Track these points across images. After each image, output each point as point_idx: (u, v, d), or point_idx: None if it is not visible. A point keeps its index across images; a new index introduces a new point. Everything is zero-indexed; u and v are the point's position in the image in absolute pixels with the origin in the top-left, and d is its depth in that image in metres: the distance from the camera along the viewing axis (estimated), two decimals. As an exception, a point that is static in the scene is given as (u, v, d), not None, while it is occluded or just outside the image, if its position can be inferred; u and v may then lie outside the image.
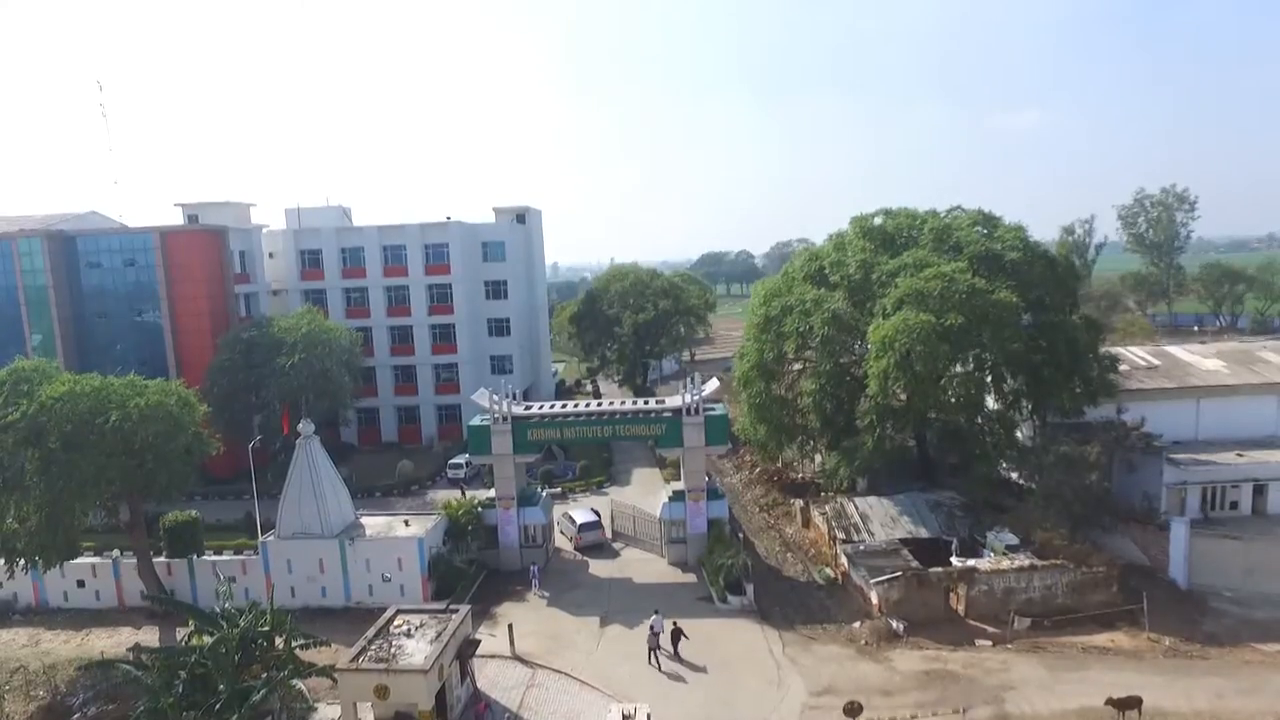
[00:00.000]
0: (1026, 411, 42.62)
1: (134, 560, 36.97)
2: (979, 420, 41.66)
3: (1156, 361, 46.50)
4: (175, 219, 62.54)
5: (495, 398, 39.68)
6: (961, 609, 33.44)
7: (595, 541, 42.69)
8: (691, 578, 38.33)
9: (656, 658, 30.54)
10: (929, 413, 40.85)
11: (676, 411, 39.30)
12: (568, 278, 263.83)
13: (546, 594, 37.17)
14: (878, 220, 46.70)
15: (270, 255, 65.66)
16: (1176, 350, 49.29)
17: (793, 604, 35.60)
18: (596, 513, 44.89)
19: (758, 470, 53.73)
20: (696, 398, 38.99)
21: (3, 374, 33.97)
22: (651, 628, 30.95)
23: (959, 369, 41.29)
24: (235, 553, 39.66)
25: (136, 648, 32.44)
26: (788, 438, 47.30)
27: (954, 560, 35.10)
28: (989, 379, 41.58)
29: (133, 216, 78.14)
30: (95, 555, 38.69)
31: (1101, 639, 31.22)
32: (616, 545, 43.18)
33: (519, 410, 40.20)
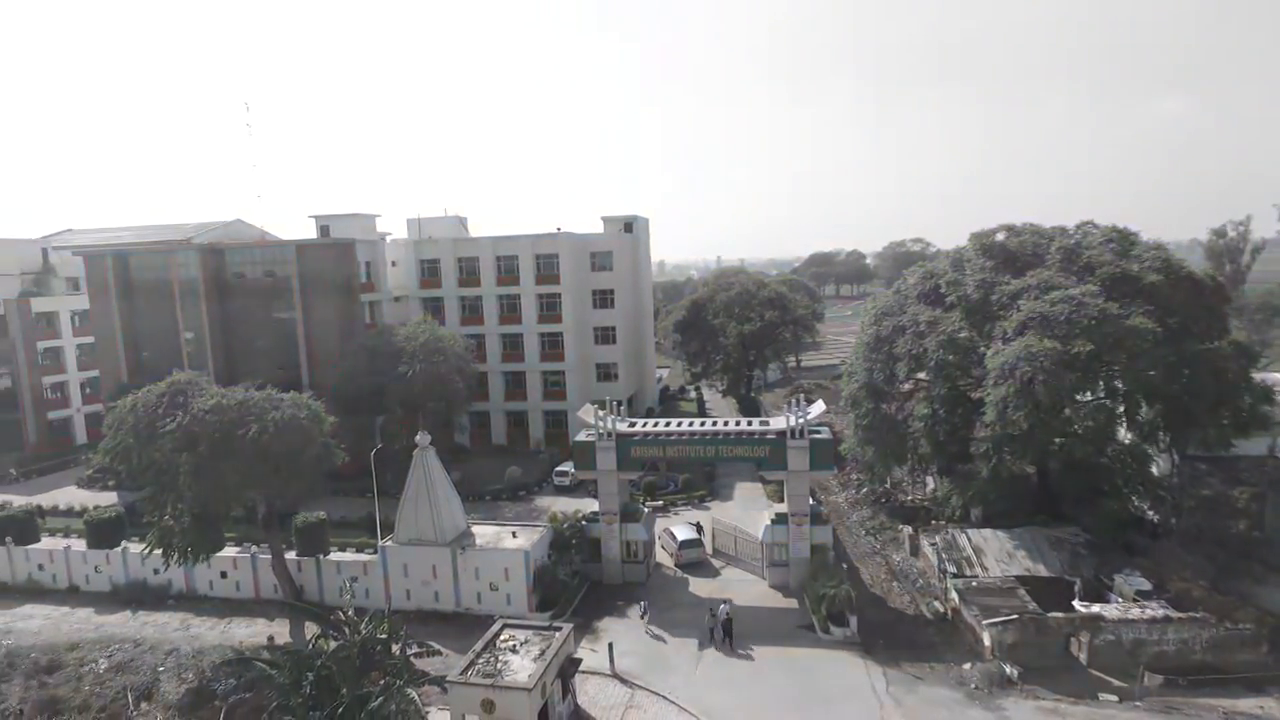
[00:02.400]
0: (1164, 444, 39.57)
1: (269, 556, 40.03)
2: (1109, 452, 38.98)
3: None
4: (309, 227, 67.05)
5: (600, 414, 40.40)
6: (1084, 658, 31.48)
7: (696, 559, 42.82)
8: (793, 603, 37.83)
9: (714, 639, 34.09)
10: (1052, 442, 38.57)
11: (781, 434, 38.80)
12: (673, 276, 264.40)
13: (660, 634, 35.52)
14: (999, 237, 44.44)
15: (393, 264, 69.23)
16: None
17: (898, 638, 34.54)
18: (699, 529, 45.00)
19: (864, 490, 52.35)
20: (801, 420, 38.37)
21: (162, 386, 37.45)
22: (711, 610, 35.07)
23: (1088, 396, 38.84)
24: (357, 551, 42.23)
25: (270, 642, 35.24)
26: (897, 460, 45.90)
27: (1076, 604, 33.07)
28: (1121, 409, 38.87)
29: (273, 223, 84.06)
30: (236, 547, 42.13)
31: (1248, 704, 28.64)
32: (716, 563, 43.15)
33: (623, 428, 40.77)
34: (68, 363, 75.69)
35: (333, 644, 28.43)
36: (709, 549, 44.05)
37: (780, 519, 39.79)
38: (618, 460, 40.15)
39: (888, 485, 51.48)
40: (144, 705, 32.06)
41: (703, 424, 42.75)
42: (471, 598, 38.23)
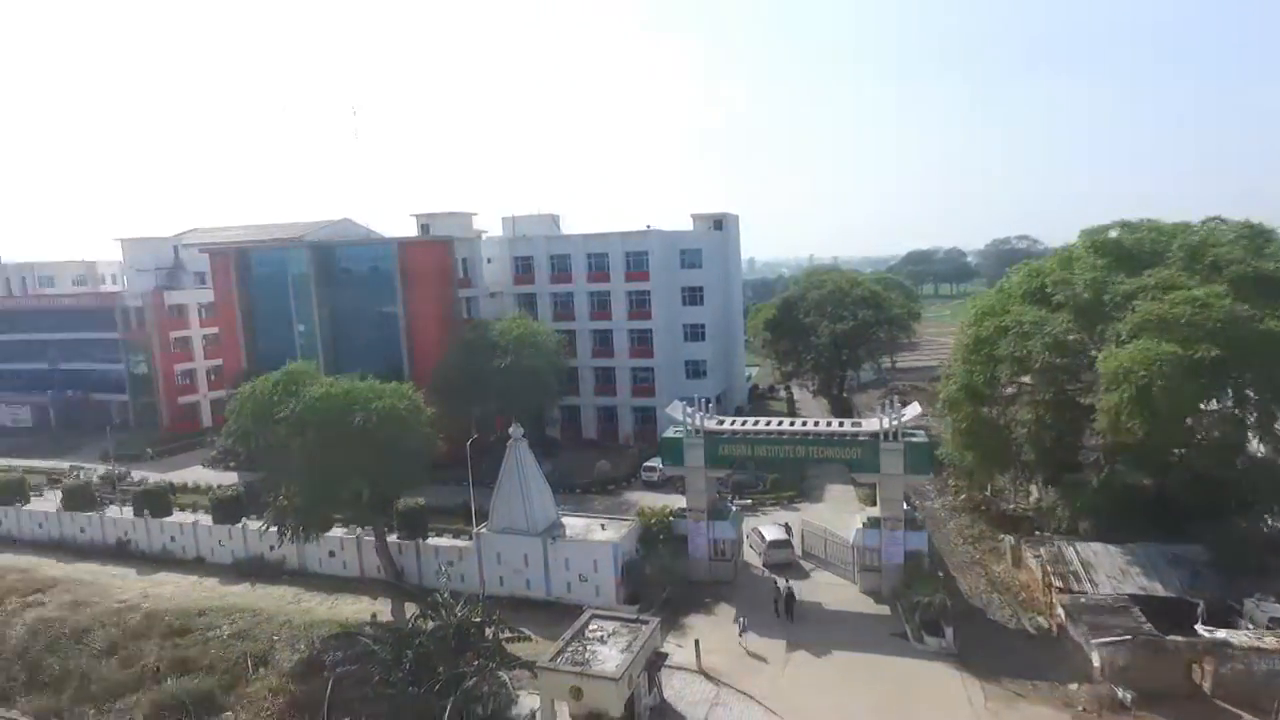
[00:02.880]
0: (1302, 459, 36.45)
1: (373, 539, 42.10)
2: (1239, 466, 36.20)
3: None
4: (411, 225, 70.04)
5: (689, 410, 40.51)
6: (1207, 686, 29.34)
7: (784, 560, 42.33)
8: (885, 610, 36.91)
9: (777, 613, 36.29)
10: (1171, 454, 36.13)
11: (874, 436, 37.89)
12: (764, 274, 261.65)
13: (759, 653, 33.68)
14: (1113, 234, 41.94)
15: (489, 261, 71.37)
16: None
17: (998, 652, 33.18)
18: (788, 529, 44.50)
19: (963, 497, 50.46)
20: (896, 422, 37.37)
21: (278, 375, 39.96)
22: (775, 584, 37.81)
23: (1214, 404, 36.22)
24: (454, 537, 43.90)
25: (373, 619, 37.06)
26: (999, 466, 44.07)
27: (1199, 628, 30.89)
28: (1253, 418, 36.05)
29: (378, 221, 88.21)
30: (343, 528, 44.50)
31: (1394, 746, 26.14)
32: (806, 565, 42.56)
33: (712, 425, 40.74)
34: (195, 351, 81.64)
35: (430, 624, 29.77)
36: (798, 550, 43.50)
37: (873, 523, 38.89)
38: (705, 457, 40.16)
39: (988, 493, 49.46)
40: (261, 670, 34.35)
41: (793, 423, 42.23)
42: (561, 587, 39.10)
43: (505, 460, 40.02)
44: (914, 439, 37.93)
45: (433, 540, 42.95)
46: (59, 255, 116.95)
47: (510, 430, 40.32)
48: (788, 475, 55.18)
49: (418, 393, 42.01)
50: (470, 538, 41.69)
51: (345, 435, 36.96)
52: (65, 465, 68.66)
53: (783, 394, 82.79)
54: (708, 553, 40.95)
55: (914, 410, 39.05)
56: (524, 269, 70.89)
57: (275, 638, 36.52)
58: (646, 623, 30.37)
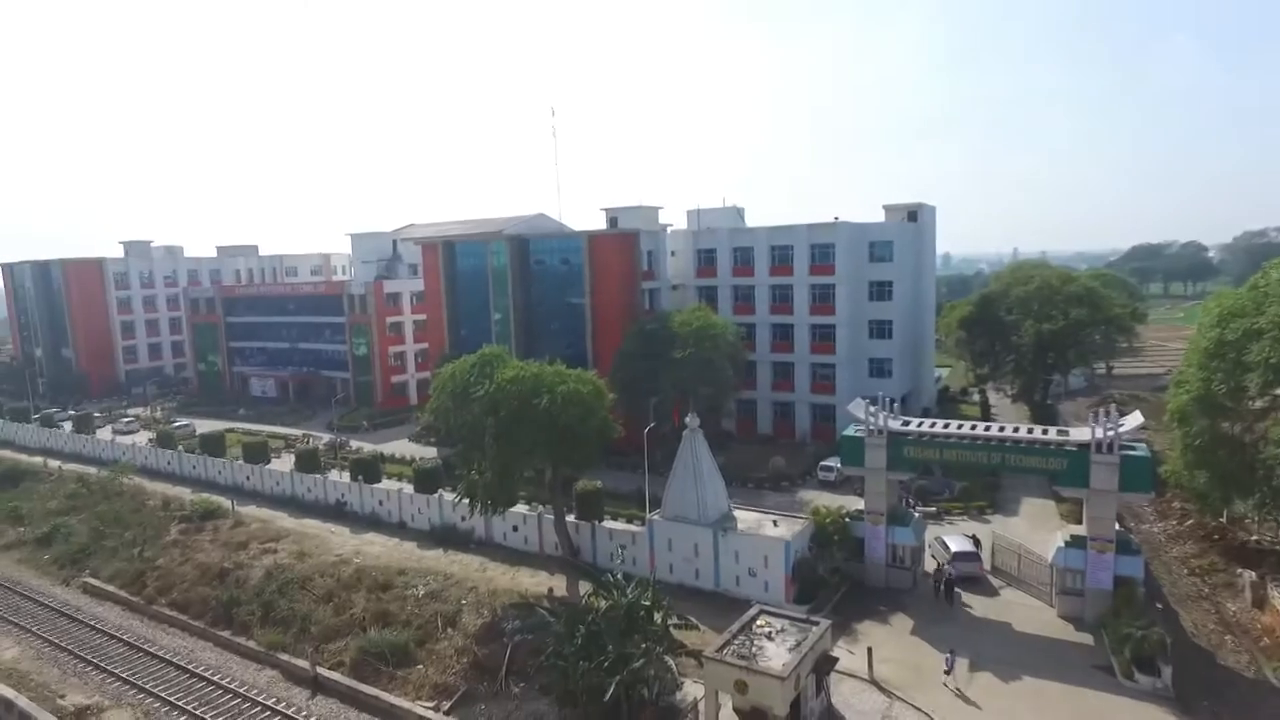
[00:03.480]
0: None
1: (552, 517, 44.19)
2: None
3: None
4: (599, 219, 72.65)
5: (872, 409, 38.70)
6: None
7: (970, 574, 39.35)
8: (1087, 639, 33.27)
9: (936, 595, 36.93)
10: None
11: (1084, 446, 34.12)
12: (960, 270, 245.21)
13: (975, 701, 29.49)
14: None
15: (672, 254, 72.36)
16: None
17: (1228, 702, 28.86)
18: (975, 541, 41.37)
19: (1189, 523, 44.36)
20: (1112, 433, 33.42)
21: (474, 357, 42.95)
22: (938, 565, 38.72)
23: None
24: (627, 521, 45.07)
25: (550, 594, 38.93)
26: (1239, 491, 38.19)
27: None
28: None
29: (570, 216, 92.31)
30: (525, 505, 47.09)
31: None
32: (995, 582, 39.33)
33: (896, 425, 38.66)
34: (406, 335, 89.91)
35: (603, 604, 30.71)
36: (986, 565, 40.30)
37: (1077, 542, 35.15)
38: (888, 459, 38.20)
39: (1223, 519, 43.11)
40: (449, 630, 37.17)
41: (987, 428, 39.08)
42: (730, 580, 38.90)
43: (680, 450, 40.41)
44: (1133, 452, 33.77)
45: (608, 523, 44.35)
46: (303, 248, 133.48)
47: (687, 420, 40.66)
48: (979, 485, 51.39)
49: (601, 379, 43.45)
50: (643, 523, 42.56)
51: (532, 416, 39.00)
52: (298, 432, 78.40)
53: (976, 397, 76.95)
54: (885, 559, 39.01)
55: (1135, 420, 34.74)
56: (706, 261, 71.15)
57: (463, 601, 39.33)
58: (816, 624, 29.44)
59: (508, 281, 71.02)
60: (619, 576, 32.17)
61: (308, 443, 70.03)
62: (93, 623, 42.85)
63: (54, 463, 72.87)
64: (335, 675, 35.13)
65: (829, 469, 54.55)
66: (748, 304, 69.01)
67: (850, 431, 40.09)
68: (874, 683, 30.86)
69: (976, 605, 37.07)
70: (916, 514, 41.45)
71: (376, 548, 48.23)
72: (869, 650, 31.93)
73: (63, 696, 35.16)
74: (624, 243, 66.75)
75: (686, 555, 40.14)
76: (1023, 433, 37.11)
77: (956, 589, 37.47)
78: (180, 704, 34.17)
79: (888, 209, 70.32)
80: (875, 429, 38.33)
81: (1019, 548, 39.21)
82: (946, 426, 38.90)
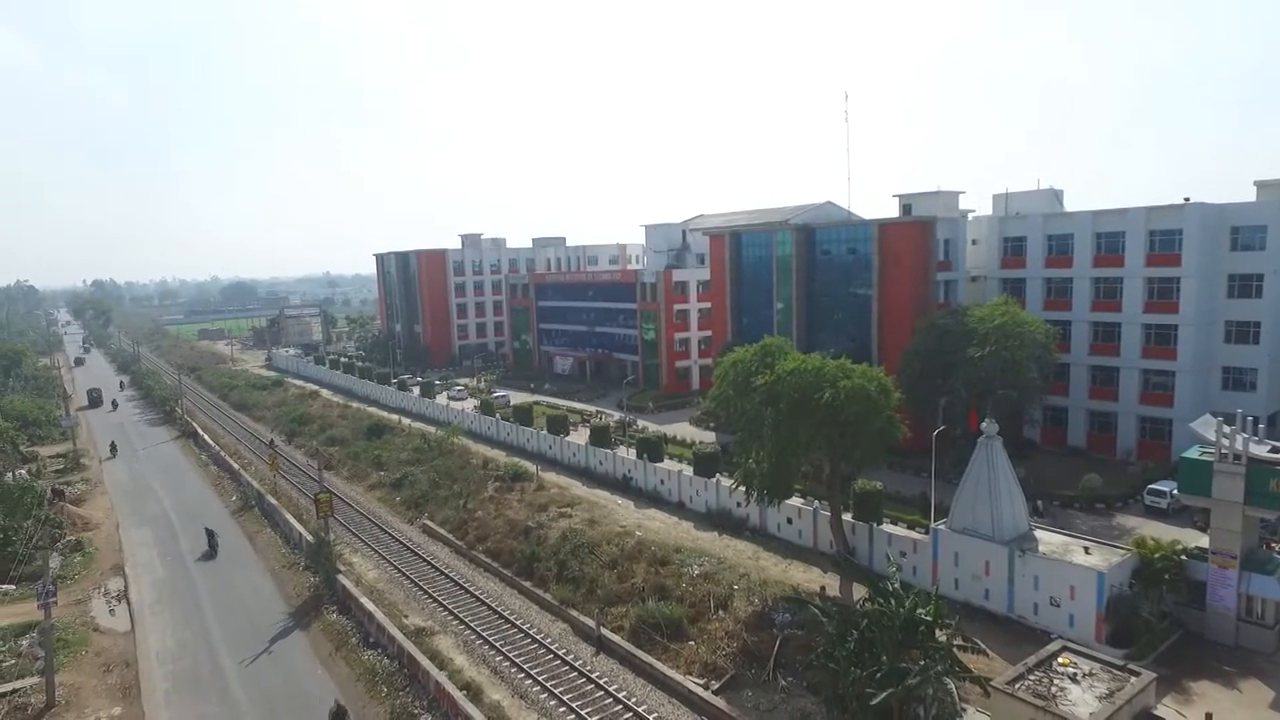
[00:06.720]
0: None
1: (828, 514, 43.18)
2: None
3: None
4: (893, 207, 68.91)
5: (1227, 429, 32.19)
6: None
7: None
8: None
9: None
10: None
11: None
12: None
13: None
14: None
15: (973, 242, 66.39)
16: None
17: None
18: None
19: None
20: None
21: (755, 347, 43.29)
22: None
23: None
24: (908, 528, 42.55)
25: (823, 591, 38.16)
26: None
27: None
28: None
29: (859, 204, 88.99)
30: (801, 499, 46.56)
31: None
32: (1404, 662, 30.74)
33: (1262, 451, 31.77)
34: (691, 322, 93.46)
35: (878, 610, 29.31)
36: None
37: None
38: (1246, 491, 31.56)
39: None
40: (720, 613, 38.09)
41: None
42: (1026, 606, 35.00)
43: (974, 457, 37.16)
44: None
45: (886, 526, 42.26)
46: (604, 239, 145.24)
47: (983, 426, 37.23)
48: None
49: (887, 376, 41.43)
50: (926, 531, 39.88)
51: (812, 409, 38.35)
52: (592, 409, 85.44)
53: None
54: (1237, 611, 32.38)
55: None
56: (1014, 250, 64.25)
57: (735, 586, 40.00)
58: (1137, 674, 25.43)
59: (791, 271, 70.50)
60: (897, 584, 30.48)
61: (600, 419, 76.15)
62: (429, 559, 50.76)
63: (405, 420, 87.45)
64: (616, 638, 37.81)
65: (1159, 494, 46.61)
66: (1062, 298, 61.10)
67: (1194, 453, 33.78)
68: (1212, 756, 25.87)
69: (1371, 687, 29.32)
70: (1283, 561, 33.76)
71: (656, 523, 50.94)
72: (1207, 717, 26.78)
73: (406, 617, 42.11)
74: (917, 231, 62.68)
75: (975, 572, 36.88)
76: None
77: None
78: (491, 640, 39.17)
79: (1260, 185, 57.68)
80: (1231, 453, 31.84)
81: None
82: (1337, 458, 31.11)
